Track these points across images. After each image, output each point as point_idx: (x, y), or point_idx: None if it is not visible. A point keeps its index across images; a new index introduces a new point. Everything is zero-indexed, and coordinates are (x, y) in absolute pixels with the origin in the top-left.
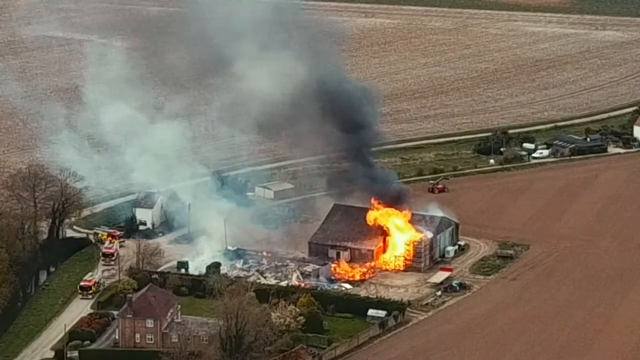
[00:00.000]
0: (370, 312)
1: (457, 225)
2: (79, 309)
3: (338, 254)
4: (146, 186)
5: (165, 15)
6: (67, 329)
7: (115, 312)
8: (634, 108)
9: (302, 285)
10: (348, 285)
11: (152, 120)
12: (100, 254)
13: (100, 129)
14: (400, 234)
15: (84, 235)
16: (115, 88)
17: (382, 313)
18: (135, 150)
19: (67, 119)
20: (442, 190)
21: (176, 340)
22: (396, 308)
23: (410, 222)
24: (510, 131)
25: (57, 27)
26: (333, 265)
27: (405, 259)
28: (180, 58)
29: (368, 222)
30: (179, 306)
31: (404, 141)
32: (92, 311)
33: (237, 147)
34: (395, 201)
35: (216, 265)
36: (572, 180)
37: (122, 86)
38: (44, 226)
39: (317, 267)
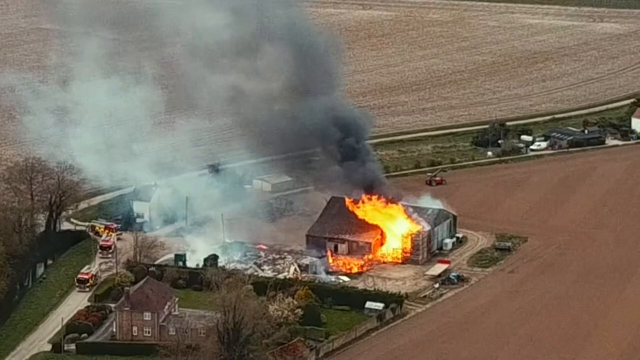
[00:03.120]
0: (368, 304)
1: (455, 218)
2: (76, 302)
3: (336, 247)
4: (143, 179)
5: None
6: (65, 322)
7: (112, 305)
8: (632, 100)
9: (300, 277)
10: (346, 278)
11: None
12: (98, 246)
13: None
14: (392, 227)
15: (83, 228)
16: (114, 82)
17: (379, 305)
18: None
19: (64, 112)
20: (439, 183)
21: (174, 333)
22: (394, 300)
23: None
24: (508, 123)
25: (54, 20)
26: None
27: (403, 252)
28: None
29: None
30: (177, 299)
31: (401, 133)
32: (89, 304)
33: (234, 140)
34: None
35: (214, 258)
36: (570, 172)
37: (119, 79)
38: (41, 219)
39: (315, 259)
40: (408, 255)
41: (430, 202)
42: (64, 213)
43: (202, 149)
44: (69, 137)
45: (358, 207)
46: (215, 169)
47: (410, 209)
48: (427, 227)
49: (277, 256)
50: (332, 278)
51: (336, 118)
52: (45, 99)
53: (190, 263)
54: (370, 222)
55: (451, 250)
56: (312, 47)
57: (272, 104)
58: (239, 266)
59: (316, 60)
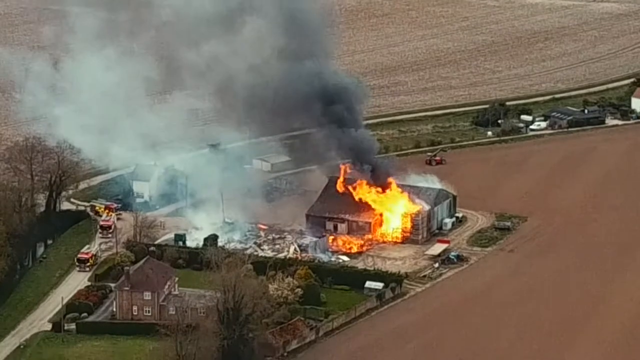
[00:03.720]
0: (368, 284)
1: (454, 197)
2: (77, 282)
3: (335, 226)
4: (142, 159)
5: None
6: (65, 301)
7: (112, 285)
8: (632, 80)
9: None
10: (345, 258)
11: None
12: (98, 226)
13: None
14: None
15: (86, 208)
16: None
17: (379, 285)
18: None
19: (63, 92)
20: (439, 163)
21: (173, 312)
22: (393, 280)
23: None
24: (508, 103)
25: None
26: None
27: (403, 231)
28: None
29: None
30: (177, 279)
31: (401, 113)
32: (89, 284)
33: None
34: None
35: (213, 238)
36: (569, 152)
37: (117, 59)
38: (41, 199)
39: (315, 239)
40: (408, 235)
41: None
42: (64, 193)
43: (200, 128)
44: (65, 117)
45: (353, 188)
46: (215, 148)
47: (409, 189)
48: (427, 207)
49: (277, 236)
50: (332, 257)
51: (323, 83)
52: (44, 78)
53: (196, 241)
54: (366, 201)
55: (451, 229)
56: (300, 13)
57: (259, 74)
58: (238, 246)
59: (304, 26)
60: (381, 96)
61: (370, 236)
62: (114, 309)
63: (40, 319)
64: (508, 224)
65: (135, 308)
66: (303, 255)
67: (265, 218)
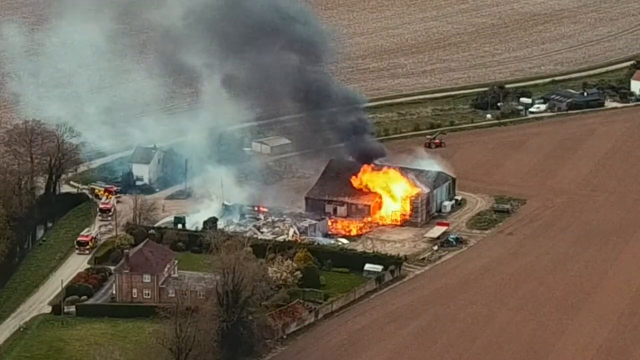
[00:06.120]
0: (367, 266)
1: (453, 180)
2: (76, 265)
3: (335, 209)
4: (142, 142)
5: None
6: (64, 284)
7: (112, 268)
8: (631, 62)
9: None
10: (345, 240)
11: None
12: (97, 209)
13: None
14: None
15: (87, 190)
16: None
17: (378, 268)
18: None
19: (62, 75)
20: (439, 145)
21: (173, 295)
22: (393, 263)
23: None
24: (508, 86)
25: None
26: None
27: (402, 214)
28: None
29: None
30: (176, 261)
31: (401, 96)
32: (89, 266)
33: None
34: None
35: (213, 221)
36: (569, 134)
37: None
38: (41, 182)
39: (314, 222)
40: (407, 217)
41: (429, 165)
42: (63, 176)
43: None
44: (64, 102)
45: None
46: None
47: (410, 172)
48: (426, 190)
49: (276, 218)
50: (331, 240)
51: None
52: (42, 61)
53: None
54: (368, 188)
55: (450, 212)
56: None
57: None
58: (238, 229)
59: None
60: (380, 79)
61: (369, 219)
62: (114, 292)
63: (40, 302)
64: (507, 206)
65: (134, 291)
66: (302, 237)
67: (265, 201)
